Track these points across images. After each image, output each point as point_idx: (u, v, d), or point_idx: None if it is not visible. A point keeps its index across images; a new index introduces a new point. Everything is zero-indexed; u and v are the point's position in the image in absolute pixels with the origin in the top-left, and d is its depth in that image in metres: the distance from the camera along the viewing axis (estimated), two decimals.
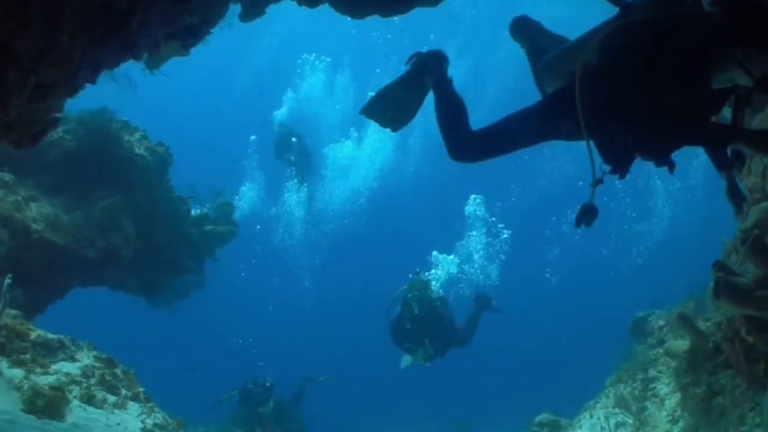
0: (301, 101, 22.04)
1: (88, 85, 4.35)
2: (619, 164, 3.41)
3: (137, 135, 10.89)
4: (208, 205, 12.50)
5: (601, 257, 25.95)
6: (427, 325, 11.29)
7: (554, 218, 22.86)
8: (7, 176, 8.94)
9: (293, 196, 20.97)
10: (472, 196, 17.68)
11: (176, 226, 11.18)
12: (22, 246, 8.43)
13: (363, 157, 22.96)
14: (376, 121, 4.24)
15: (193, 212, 11.95)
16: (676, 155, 3.36)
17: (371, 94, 4.22)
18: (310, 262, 26.02)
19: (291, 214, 22.20)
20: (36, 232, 8.69)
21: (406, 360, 11.47)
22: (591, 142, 3.32)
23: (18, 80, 3.68)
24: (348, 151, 22.62)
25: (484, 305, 12.59)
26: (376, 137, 21.83)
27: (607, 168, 3.39)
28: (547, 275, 26.15)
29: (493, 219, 17.87)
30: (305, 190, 20.67)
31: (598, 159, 3.38)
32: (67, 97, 4.45)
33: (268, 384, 13.98)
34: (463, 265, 15.68)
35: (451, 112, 3.95)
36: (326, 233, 24.37)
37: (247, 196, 20.88)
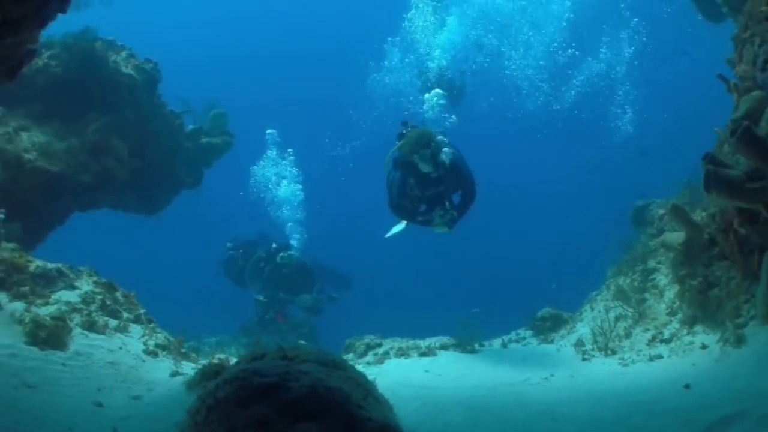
0: None
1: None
2: None
3: (123, 54, 10.60)
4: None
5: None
6: (445, 183, 9.08)
7: None
8: None
9: None
10: None
11: (170, 141, 11.08)
12: (16, 177, 8.42)
13: None
14: None
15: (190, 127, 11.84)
16: None
17: None
18: None
19: None
20: (29, 162, 8.64)
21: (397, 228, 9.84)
22: None
23: None
24: None
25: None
26: None
27: None
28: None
29: None
30: None
31: None
32: (39, 29, 4.32)
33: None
34: None
35: None
36: None
37: None
